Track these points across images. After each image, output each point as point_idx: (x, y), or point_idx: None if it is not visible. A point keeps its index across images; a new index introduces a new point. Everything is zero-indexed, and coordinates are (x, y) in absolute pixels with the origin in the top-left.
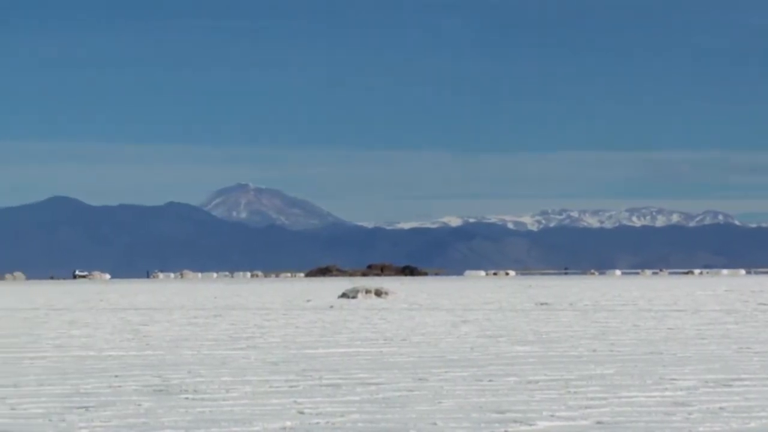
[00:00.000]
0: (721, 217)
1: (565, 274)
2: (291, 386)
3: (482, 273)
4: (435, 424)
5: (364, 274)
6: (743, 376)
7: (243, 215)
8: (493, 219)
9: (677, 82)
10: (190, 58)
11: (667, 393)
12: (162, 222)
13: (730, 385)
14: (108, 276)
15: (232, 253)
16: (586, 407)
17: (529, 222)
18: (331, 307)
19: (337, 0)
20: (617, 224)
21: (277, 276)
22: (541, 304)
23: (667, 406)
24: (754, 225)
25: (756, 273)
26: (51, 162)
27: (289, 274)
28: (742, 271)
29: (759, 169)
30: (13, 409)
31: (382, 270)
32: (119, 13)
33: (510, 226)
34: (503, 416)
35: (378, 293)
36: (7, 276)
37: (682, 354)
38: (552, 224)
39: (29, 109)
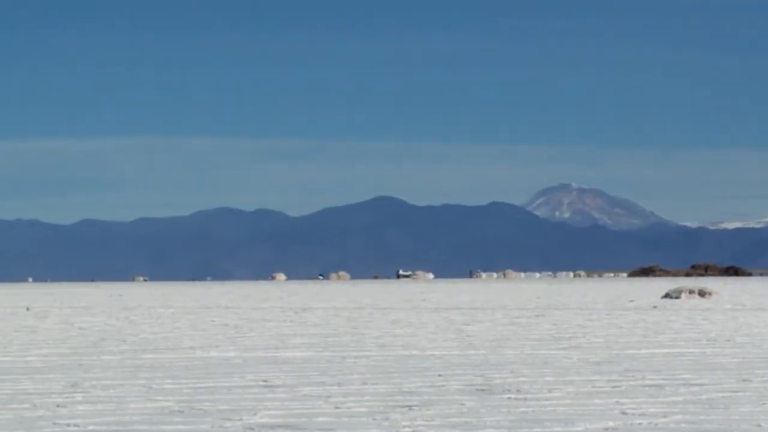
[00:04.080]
0: None
1: None
2: (613, 386)
3: None
4: (759, 425)
5: (687, 275)
6: None
7: (566, 215)
8: None
9: None
10: (515, 59)
11: None
12: (485, 222)
13: None
14: (431, 275)
15: (554, 253)
16: None
17: None
18: (654, 307)
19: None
20: None
21: (599, 276)
22: None
23: None
24: None
25: None
26: (377, 162)
27: (611, 274)
28: None
29: None
30: (337, 407)
31: (705, 270)
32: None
33: None
34: None
35: (702, 293)
36: (333, 275)
37: None
38: None
39: (352, 109)
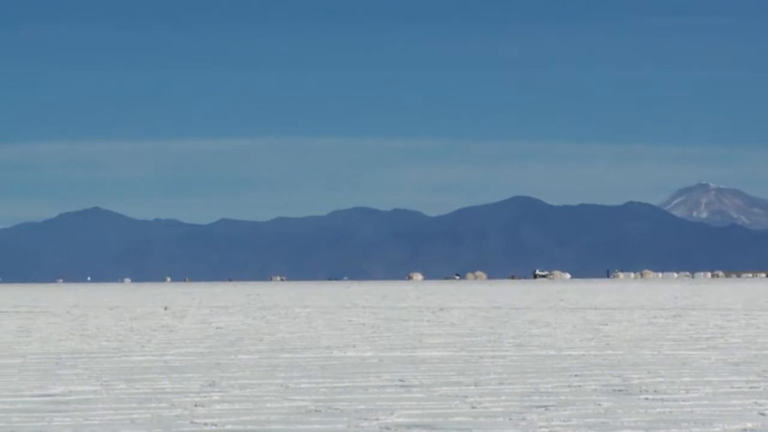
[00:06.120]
0: None
1: None
2: (752, 387)
3: None
4: None
5: None
6: None
7: (704, 215)
8: None
9: None
10: (653, 57)
11: None
12: (622, 221)
13: None
14: (568, 275)
15: (692, 253)
16: None
17: None
18: None
19: None
20: None
21: (738, 276)
22: None
23: None
24: None
25: None
26: (514, 162)
27: (750, 275)
28: None
29: None
30: (473, 407)
31: None
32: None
33: None
34: None
35: None
36: (469, 275)
37: None
38: None
39: (490, 109)
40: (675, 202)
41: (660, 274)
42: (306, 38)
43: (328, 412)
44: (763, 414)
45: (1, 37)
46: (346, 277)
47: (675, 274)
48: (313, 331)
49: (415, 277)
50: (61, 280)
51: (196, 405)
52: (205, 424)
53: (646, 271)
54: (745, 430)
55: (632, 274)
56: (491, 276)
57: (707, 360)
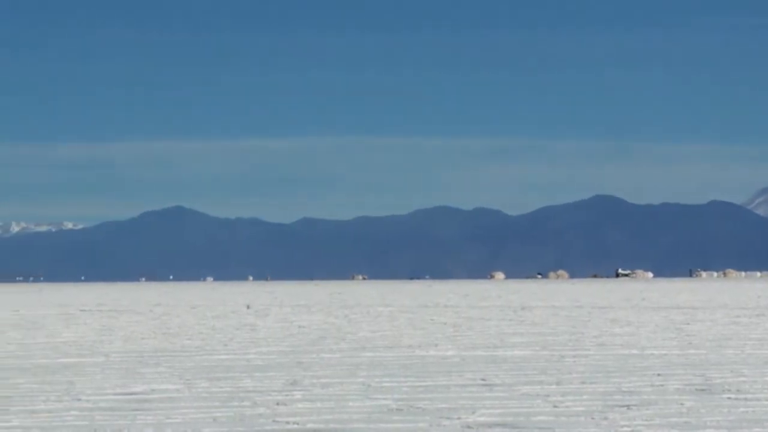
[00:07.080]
0: None
1: None
2: None
3: None
4: None
5: None
6: None
7: None
8: None
9: None
10: (734, 57)
11: None
12: (705, 220)
13: None
14: (650, 274)
15: None
16: None
17: None
18: None
19: None
20: None
21: None
22: None
23: None
24: None
25: None
26: (596, 161)
27: None
28: None
29: None
30: (555, 406)
31: None
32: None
33: None
34: None
35: None
36: (551, 274)
37: None
38: None
39: (571, 108)
40: (758, 201)
41: (743, 273)
42: (391, 38)
43: (410, 411)
44: None
45: (86, 39)
46: (427, 276)
47: (758, 273)
48: (395, 330)
49: (496, 276)
50: (143, 279)
51: (278, 404)
52: (287, 422)
53: (729, 270)
54: None
55: (715, 273)
56: (573, 275)
57: None
